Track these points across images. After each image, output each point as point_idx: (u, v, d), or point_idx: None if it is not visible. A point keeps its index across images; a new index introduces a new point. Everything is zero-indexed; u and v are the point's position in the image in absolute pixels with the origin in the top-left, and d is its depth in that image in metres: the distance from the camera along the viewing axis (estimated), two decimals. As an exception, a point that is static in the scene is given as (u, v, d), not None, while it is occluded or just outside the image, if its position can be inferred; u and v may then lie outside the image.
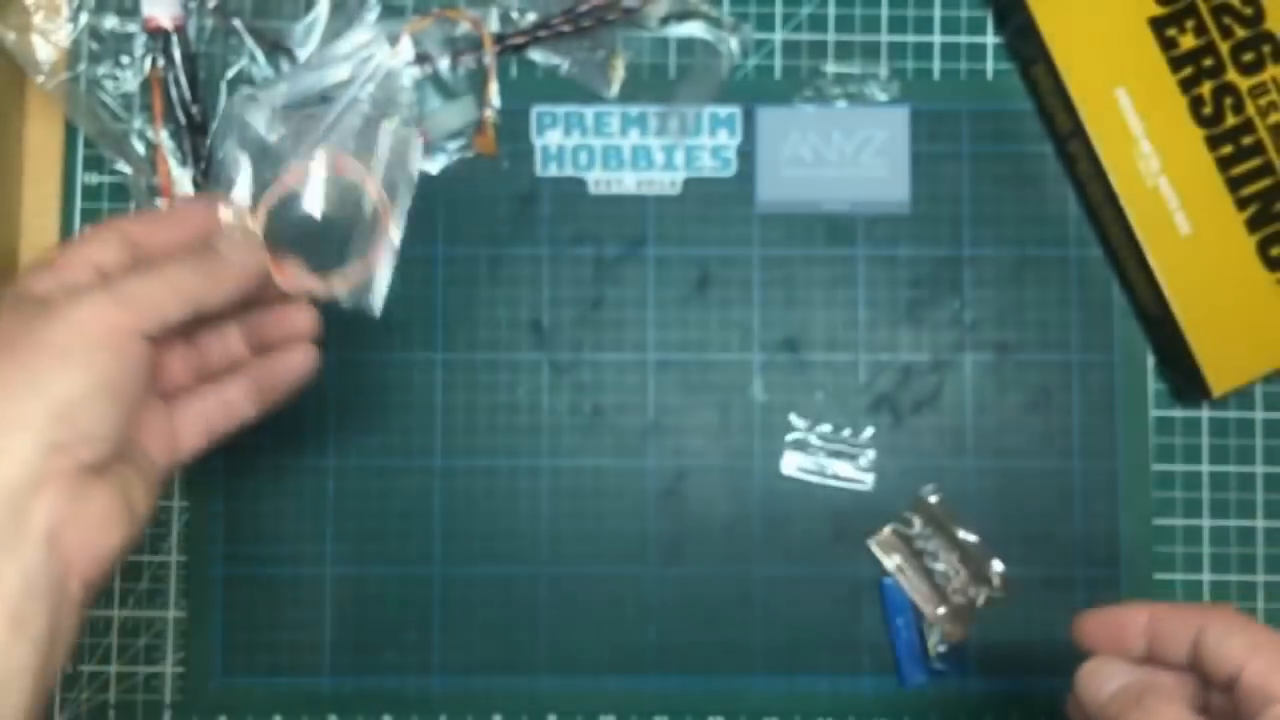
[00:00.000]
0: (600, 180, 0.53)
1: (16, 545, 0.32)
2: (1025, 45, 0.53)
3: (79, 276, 0.35)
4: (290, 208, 0.47)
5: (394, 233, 0.49)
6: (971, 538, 0.52)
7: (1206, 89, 0.51)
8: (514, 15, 0.53)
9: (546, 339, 0.53)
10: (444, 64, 0.52)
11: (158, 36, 0.52)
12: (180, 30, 0.52)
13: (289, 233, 0.44)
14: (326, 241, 0.47)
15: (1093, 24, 0.51)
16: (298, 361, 0.42)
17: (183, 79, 0.52)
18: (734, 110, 0.54)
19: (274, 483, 0.52)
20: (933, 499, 0.52)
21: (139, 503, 0.35)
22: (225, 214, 0.40)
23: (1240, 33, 0.51)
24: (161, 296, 0.35)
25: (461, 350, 0.53)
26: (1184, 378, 0.52)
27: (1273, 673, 0.34)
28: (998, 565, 0.52)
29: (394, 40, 0.52)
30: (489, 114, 0.52)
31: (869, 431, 0.52)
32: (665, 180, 0.53)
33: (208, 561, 0.52)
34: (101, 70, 0.52)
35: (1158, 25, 0.51)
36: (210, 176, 0.52)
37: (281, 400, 0.42)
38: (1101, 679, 0.38)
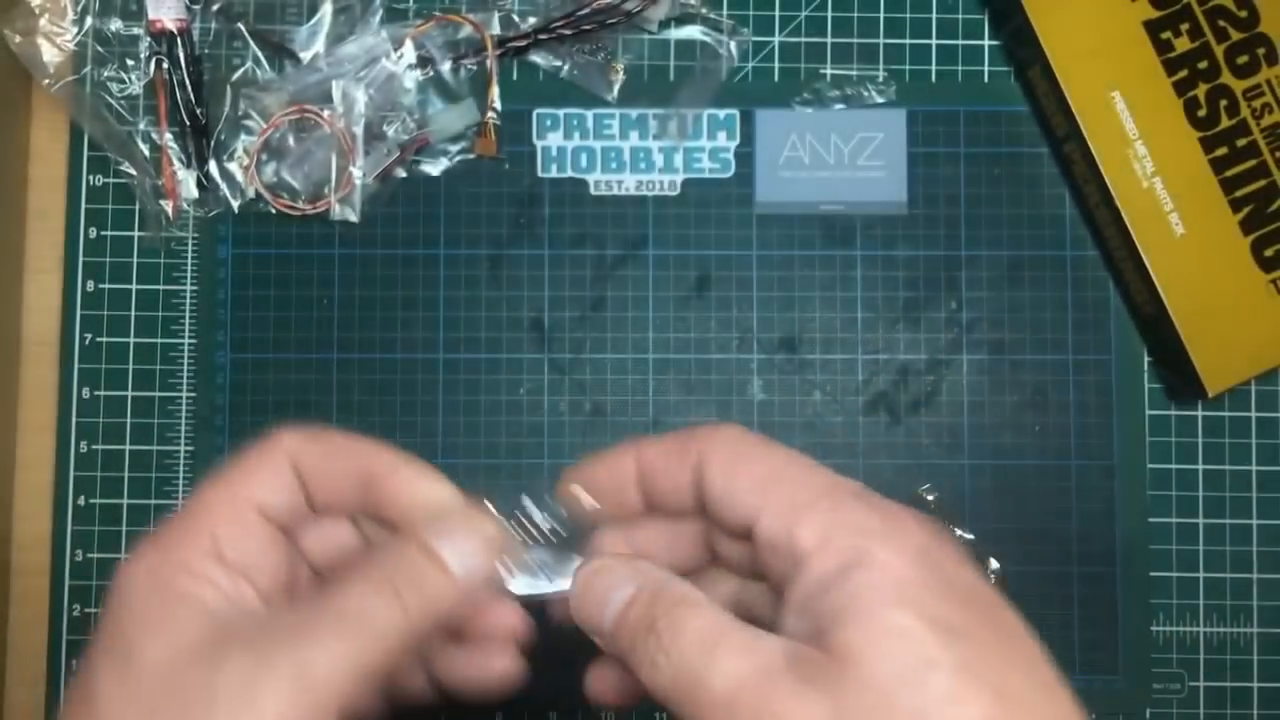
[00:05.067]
0: (601, 181, 0.54)
1: None
2: (1022, 48, 0.53)
3: (257, 539, 0.31)
4: (276, 150, 0.52)
5: (360, 158, 0.52)
6: (968, 536, 0.52)
7: (1201, 91, 0.51)
8: (515, 18, 0.53)
9: (547, 339, 0.53)
10: (446, 67, 0.53)
11: (162, 39, 0.52)
12: (184, 33, 0.52)
13: (278, 169, 0.51)
14: (308, 173, 0.52)
15: (1089, 27, 0.52)
16: (496, 667, 0.34)
17: (187, 81, 0.52)
18: (733, 112, 0.54)
19: (277, 481, 0.53)
20: (929, 497, 0.53)
21: None
22: (439, 495, 0.34)
23: (1235, 35, 0.51)
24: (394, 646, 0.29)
25: (462, 350, 0.53)
26: (1179, 377, 0.52)
27: (793, 519, 0.27)
28: (994, 564, 0.52)
29: (397, 43, 0.52)
30: (490, 116, 0.53)
31: None
32: (665, 181, 0.54)
33: (211, 559, 0.52)
34: (106, 73, 0.53)
35: (1153, 28, 0.52)
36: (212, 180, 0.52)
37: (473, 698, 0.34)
38: (599, 596, 0.29)
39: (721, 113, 0.54)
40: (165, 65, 0.52)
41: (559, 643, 0.32)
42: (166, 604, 0.29)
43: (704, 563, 0.32)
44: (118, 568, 0.31)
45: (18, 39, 0.52)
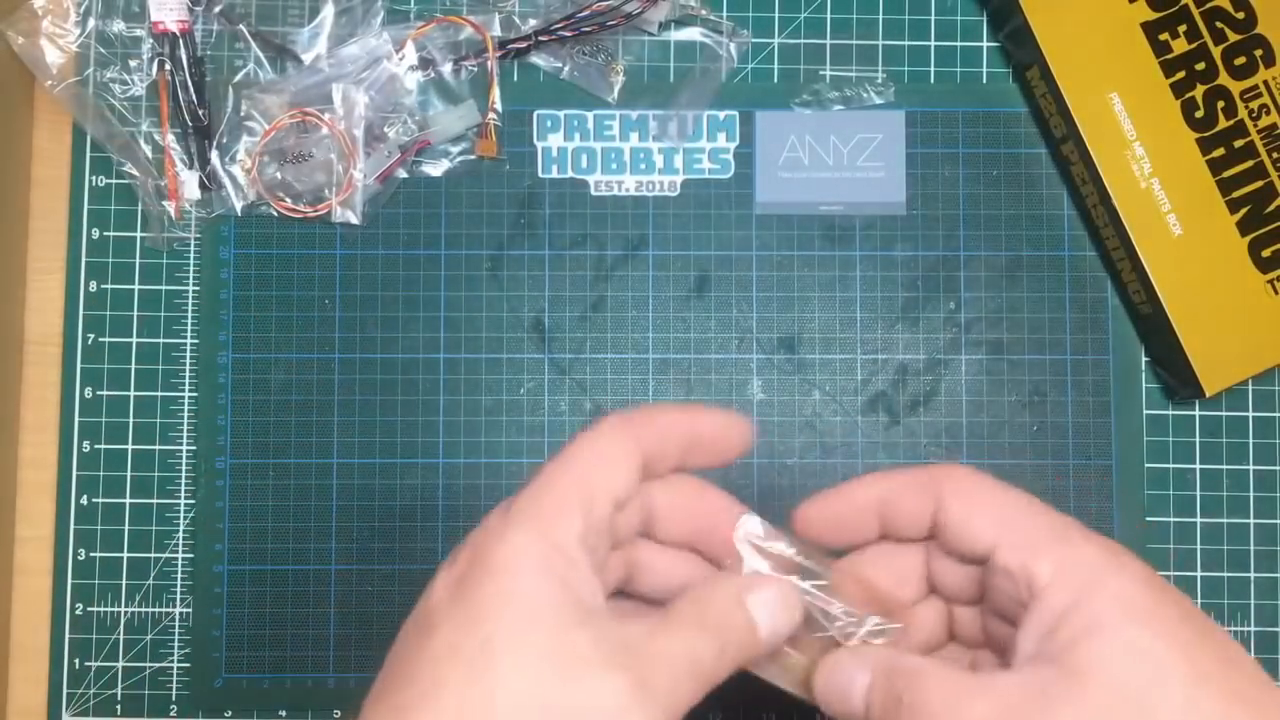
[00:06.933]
0: (601, 182, 0.54)
1: None
2: (1020, 49, 0.53)
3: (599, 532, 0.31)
4: (278, 152, 0.52)
5: (361, 160, 0.52)
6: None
7: (1199, 92, 0.52)
8: (516, 20, 0.53)
9: (547, 339, 0.54)
10: (447, 68, 0.53)
11: (164, 40, 0.52)
12: (187, 34, 0.53)
13: (280, 171, 0.52)
14: (309, 175, 0.52)
15: (1087, 28, 0.52)
16: None
17: (189, 83, 0.52)
18: (732, 113, 0.54)
19: (278, 480, 0.53)
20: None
21: None
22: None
23: (1232, 37, 0.52)
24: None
25: (462, 350, 0.53)
26: (1177, 377, 0.52)
27: (1029, 555, 0.30)
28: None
29: (398, 45, 0.52)
30: (491, 117, 0.53)
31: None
32: (665, 182, 0.54)
33: (213, 558, 0.53)
34: (109, 74, 0.53)
35: (1150, 29, 0.52)
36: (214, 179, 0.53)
37: None
38: (843, 690, 0.33)
39: (721, 114, 0.54)
40: (167, 67, 0.52)
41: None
42: (541, 592, 0.28)
43: (923, 586, 0.35)
44: (487, 527, 0.30)
45: (20, 40, 0.52)
